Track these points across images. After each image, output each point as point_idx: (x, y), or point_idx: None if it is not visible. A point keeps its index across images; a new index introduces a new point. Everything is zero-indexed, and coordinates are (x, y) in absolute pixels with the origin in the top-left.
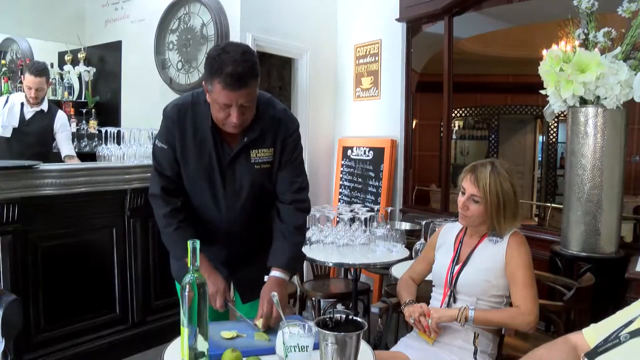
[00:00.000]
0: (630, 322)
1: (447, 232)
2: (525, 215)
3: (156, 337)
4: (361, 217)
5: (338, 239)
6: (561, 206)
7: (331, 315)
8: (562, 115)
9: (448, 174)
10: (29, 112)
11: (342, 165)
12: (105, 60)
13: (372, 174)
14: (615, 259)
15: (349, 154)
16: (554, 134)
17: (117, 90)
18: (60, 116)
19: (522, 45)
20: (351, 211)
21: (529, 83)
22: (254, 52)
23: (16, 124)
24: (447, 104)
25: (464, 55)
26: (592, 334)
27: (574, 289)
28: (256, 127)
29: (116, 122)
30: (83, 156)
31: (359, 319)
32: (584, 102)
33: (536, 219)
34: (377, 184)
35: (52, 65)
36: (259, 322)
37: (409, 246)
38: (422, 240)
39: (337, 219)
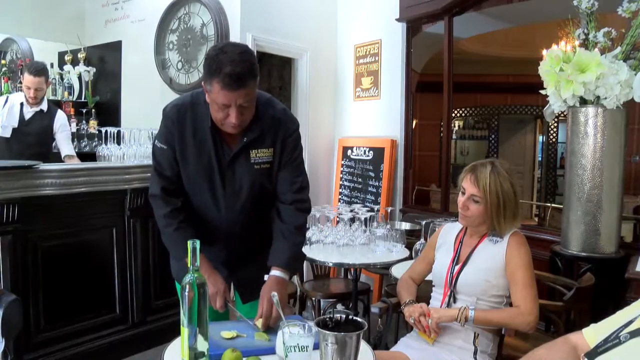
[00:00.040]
0: (630, 322)
1: (447, 232)
2: (525, 215)
3: (156, 337)
4: (361, 217)
5: (338, 239)
6: (561, 206)
7: (331, 315)
8: (562, 115)
9: (448, 174)
10: (28, 112)
11: (342, 165)
12: (105, 60)
13: (372, 174)
14: (615, 259)
15: (349, 154)
16: (554, 134)
17: (117, 90)
18: (60, 116)
19: (522, 45)
20: (351, 211)
21: (529, 83)
22: (253, 52)
23: (16, 124)
24: (447, 104)
25: (464, 55)
26: (592, 334)
27: (574, 289)
28: (256, 127)
29: (116, 122)
30: (83, 156)
31: (359, 319)
32: (584, 102)
33: (536, 219)
34: (377, 184)
35: (52, 65)
36: (259, 322)
37: (409, 246)
38: (422, 240)
39: (337, 219)
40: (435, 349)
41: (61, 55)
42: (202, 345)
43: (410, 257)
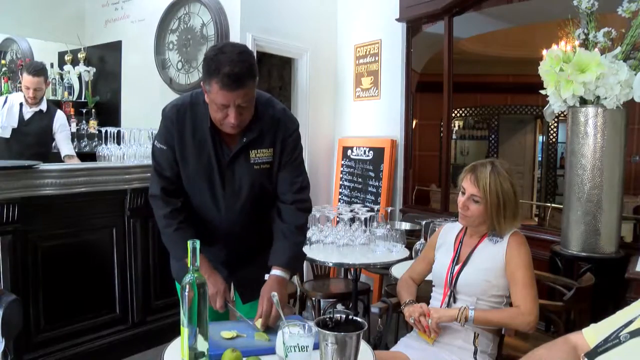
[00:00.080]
0: (630, 322)
1: (447, 232)
2: (525, 215)
3: (156, 337)
4: (361, 217)
5: (338, 239)
6: (561, 206)
7: (331, 315)
8: (562, 115)
9: (448, 174)
10: (27, 113)
11: (342, 165)
12: (105, 60)
13: (372, 174)
14: (615, 259)
15: (349, 154)
16: (554, 134)
17: (117, 90)
18: (59, 116)
19: (522, 45)
20: (351, 211)
21: (529, 83)
22: (252, 52)
23: (15, 125)
24: (447, 104)
25: (464, 55)
26: (592, 334)
27: (574, 289)
28: (255, 127)
29: (116, 122)
30: (83, 156)
31: (359, 319)
32: (584, 102)
33: (536, 219)
34: (377, 184)
35: (52, 65)
36: (259, 322)
37: (409, 246)
38: (422, 240)
39: (337, 219)
40: (435, 349)
41: (61, 55)
42: (202, 345)
43: (410, 257)
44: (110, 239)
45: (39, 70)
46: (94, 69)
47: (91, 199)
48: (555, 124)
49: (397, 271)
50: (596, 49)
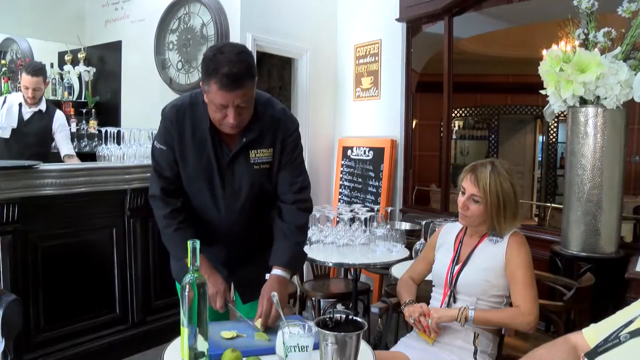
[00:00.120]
0: (630, 322)
1: (447, 232)
2: (525, 215)
3: (156, 337)
4: (361, 217)
5: (338, 239)
6: (561, 206)
7: (331, 315)
8: (562, 115)
9: (448, 174)
10: (27, 113)
11: (342, 165)
12: (105, 60)
13: (372, 174)
14: (615, 259)
15: (349, 154)
16: (554, 134)
17: (117, 90)
18: (59, 116)
19: (522, 45)
20: (351, 211)
21: (529, 83)
22: (251, 52)
23: (15, 125)
24: (447, 104)
25: (464, 55)
26: (592, 334)
27: (574, 289)
28: (255, 127)
29: (116, 122)
30: (83, 156)
31: (359, 319)
32: (584, 102)
33: (536, 219)
34: (377, 184)
35: (52, 65)
36: (258, 322)
37: (409, 246)
38: (422, 240)
39: (337, 219)
40: (435, 349)
41: (61, 55)
42: (202, 345)
43: (410, 257)
44: (110, 239)
45: (37, 70)
46: (94, 69)
47: (91, 199)
48: (555, 124)
49: (397, 271)
50: (596, 49)
